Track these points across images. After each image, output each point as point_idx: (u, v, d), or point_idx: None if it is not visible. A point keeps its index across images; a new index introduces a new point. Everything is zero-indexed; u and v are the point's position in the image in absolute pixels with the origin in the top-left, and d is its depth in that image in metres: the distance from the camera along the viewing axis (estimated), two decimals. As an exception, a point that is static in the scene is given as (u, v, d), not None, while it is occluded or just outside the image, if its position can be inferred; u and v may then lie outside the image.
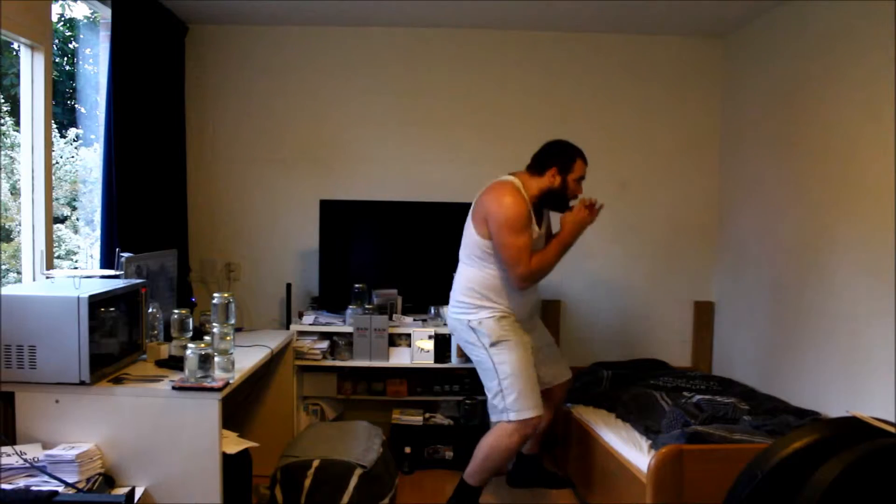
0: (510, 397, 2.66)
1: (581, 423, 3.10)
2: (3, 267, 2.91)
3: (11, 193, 2.81)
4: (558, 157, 2.75)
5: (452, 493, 2.84)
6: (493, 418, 2.75)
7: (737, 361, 3.70)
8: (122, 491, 2.14)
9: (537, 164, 2.77)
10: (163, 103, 3.46)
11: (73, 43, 3.62)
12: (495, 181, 2.77)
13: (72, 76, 3.65)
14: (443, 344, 3.39)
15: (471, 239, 2.76)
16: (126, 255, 2.73)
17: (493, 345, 2.69)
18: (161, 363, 2.54)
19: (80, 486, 2.03)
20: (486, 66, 3.87)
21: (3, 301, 2.12)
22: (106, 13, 3.13)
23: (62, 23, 3.51)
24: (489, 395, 2.75)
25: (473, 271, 2.76)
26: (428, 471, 3.45)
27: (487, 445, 2.74)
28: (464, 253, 2.82)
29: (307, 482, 2.64)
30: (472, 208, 2.79)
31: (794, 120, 3.19)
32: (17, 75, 2.63)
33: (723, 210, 3.92)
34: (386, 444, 3.04)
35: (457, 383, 3.53)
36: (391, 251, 3.80)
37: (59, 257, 3.18)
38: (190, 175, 3.81)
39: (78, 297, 2.12)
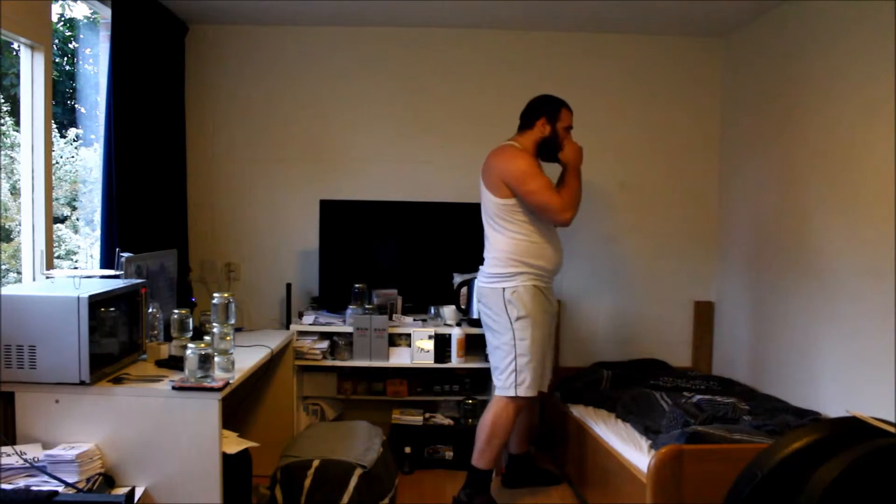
0: (522, 374, 2.79)
1: (581, 423, 3.10)
2: (3, 267, 2.91)
3: (11, 193, 2.81)
4: (545, 107, 2.92)
5: (465, 482, 2.88)
6: (498, 392, 2.85)
7: (737, 361, 3.70)
8: (122, 491, 2.14)
9: (526, 120, 2.95)
10: (163, 103, 3.46)
11: (73, 43, 3.62)
12: (495, 148, 2.90)
13: (72, 76, 3.65)
14: (443, 344, 3.38)
15: (491, 203, 2.85)
16: (126, 255, 2.73)
17: (518, 318, 2.79)
18: (161, 363, 2.54)
19: (80, 486, 2.03)
20: (487, 66, 3.87)
21: (3, 301, 2.12)
22: (106, 13, 3.13)
23: (62, 23, 3.51)
24: (497, 369, 2.86)
25: (503, 239, 2.85)
26: (428, 471, 3.46)
27: (489, 423, 2.83)
28: (487, 222, 2.92)
29: (307, 482, 2.64)
30: (482, 178, 2.89)
31: (794, 120, 3.19)
32: (17, 75, 2.63)
33: (723, 210, 3.92)
34: (386, 444, 3.04)
35: (457, 383, 3.54)
36: (391, 251, 3.80)
37: (59, 257, 3.18)
38: (190, 175, 3.81)
39: (78, 297, 2.12)
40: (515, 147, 2.87)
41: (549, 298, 2.93)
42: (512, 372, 2.80)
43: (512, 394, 2.80)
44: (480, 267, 2.97)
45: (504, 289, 2.82)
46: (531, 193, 2.76)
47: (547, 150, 2.93)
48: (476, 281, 3.05)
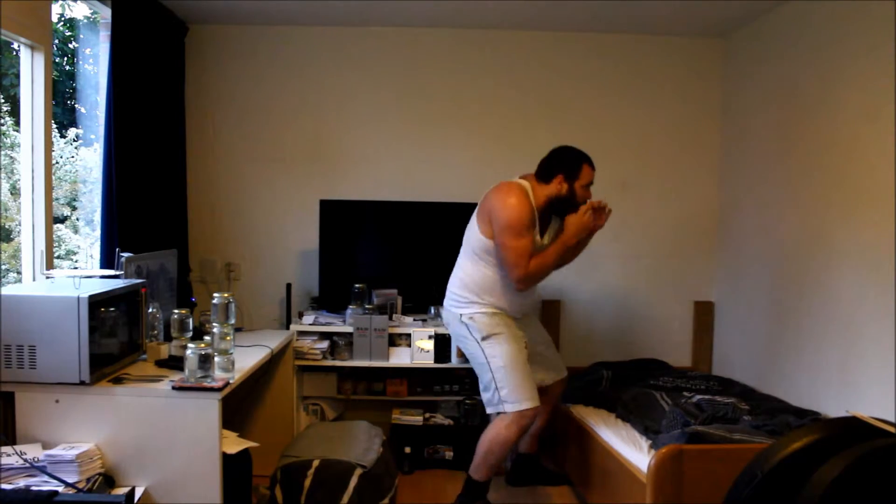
0: (504, 390, 2.70)
1: (581, 423, 3.10)
2: (3, 267, 2.91)
3: (11, 193, 2.81)
4: (564, 163, 2.72)
5: (461, 491, 2.87)
6: (489, 411, 2.79)
7: (737, 361, 3.70)
8: (122, 491, 2.13)
9: (544, 172, 2.75)
10: (163, 103, 3.45)
11: (73, 43, 3.62)
12: (504, 181, 2.76)
13: (72, 76, 3.65)
14: (443, 344, 3.38)
15: (473, 236, 2.78)
16: (126, 255, 2.73)
17: (484, 339, 2.74)
18: (161, 363, 2.54)
19: (80, 486, 2.03)
20: (487, 67, 3.87)
21: (3, 301, 2.12)
22: (106, 13, 3.13)
23: (62, 23, 3.51)
24: (482, 389, 2.80)
25: (470, 267, 2.79)
26: (428, 471, 3.45)
27: (487, 439, 2.78)
28: (464, 248, 2.85)
29: (307, 482, 2.64)
30: (478, 206, 2.79)
31: (794, 120, 3.19)
32: (17, 75, 2.63)
33: (723, 210, 3.92)
34: (386, 444, 3.04)
35: (457, 383, 3.53)
36: (391, 251, 3.80)
37: (59, 257, 3.18)
38: (190, 175, 3.81)
39: (78, 297, 2.12)
40: (522, 189, 2.68)
41: (514, 320, 2.83)
42: (495, 390, 2.72)
43: (501, 409, 2.71)
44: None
45: (461, 314, 2.78)
46: (503, 246, 2.64)
47: (561, 209, 2.76)
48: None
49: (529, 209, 2.66)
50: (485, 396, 2.79)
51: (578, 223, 2.71)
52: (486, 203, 2.72)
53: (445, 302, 2.89)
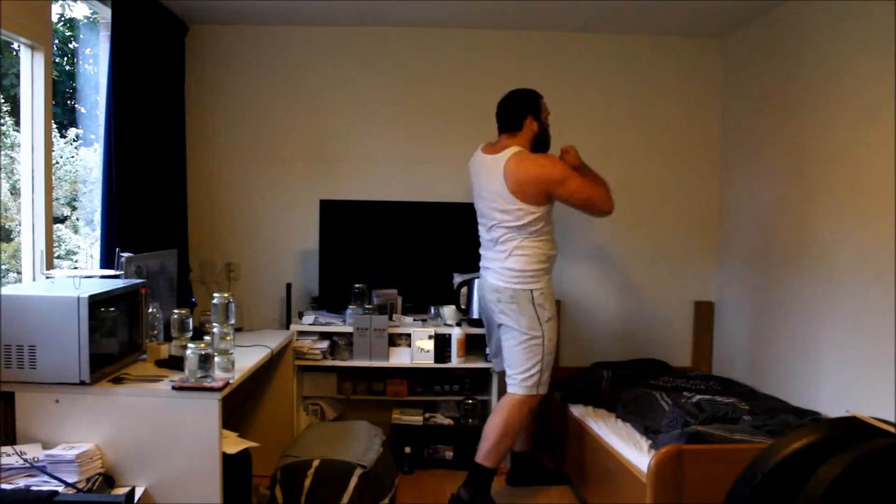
0: (545, 373, 2.85)
1: (581, 423, 3.10)
2: (3, 267, 2.91)
3: (11, 193, 2.81)
4: (527, 104, 2.90)
5: (467, 480, 2.87)
6: (520, 392, 2.84)
7: (737, 361, 3.70)
8: (122, 491, 2.13)
9: (512, 121, 2.91)
10: (163, 103, 3.45)
11: (73, 43, 3.62)
12: (511, 156, 2.80)
13: (72, 76, 3.65)
14: (443, 344, 3.38)
15: (527, 214, 2.78)
16: (126, 255, 2.73)
17: (549, 320, 2.84)
18: (161, 363, 2.54)
19: (80, 486, 2.03)
20: (487, 67, 3.87)
21: (3, 301, 2.12)
22: (106, 13, 3.13)
23: (62, 23, 3.51)
24: (523, 371, 2.83)
25: (529, 243, 2.82)
26: (428, 471, 3.46)
27: (502, 422, 2.82)
28: (514, 233, 2.82)
29: (307, 482, 2.64)
30: (509, 186, 2.77)
31: (794, 120, 3.19)
32: (17, 75, 2.63)
33: (723, 210, 3.92)
34: (386, 444, 3.04)
35: (457, 383, 3.54)
36: (391, 251, 3.80)
37: (59, 257, 3.18)
38: (190, 175, 3.81)
39: (78, 297, 2.12)
40: (525, 152, 2.84)
41: None
42: (538, 372, 2.82)
43: (534, 392, 2.83)
44: (489, 265, 2.90)
45: (532, 290, 2.81)
46: (576, 193, 2.78)
47: (538, 145, 2.92)
48: (488, 280, 2.92)
49: (551, 157, 2.86)
50: (520, 377, 2.83)
51: (571, 157, 2.94)
52: (525, 183, 2.75)
53: (506, 280, 2.83)
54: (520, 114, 2.89)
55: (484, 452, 2.85)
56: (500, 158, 2.81)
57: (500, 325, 2.91)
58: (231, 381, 2.31)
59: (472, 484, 2.86)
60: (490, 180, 2.83)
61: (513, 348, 2.87)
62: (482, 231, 2.98)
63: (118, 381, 2.27)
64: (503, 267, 2.85)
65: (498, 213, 2.82)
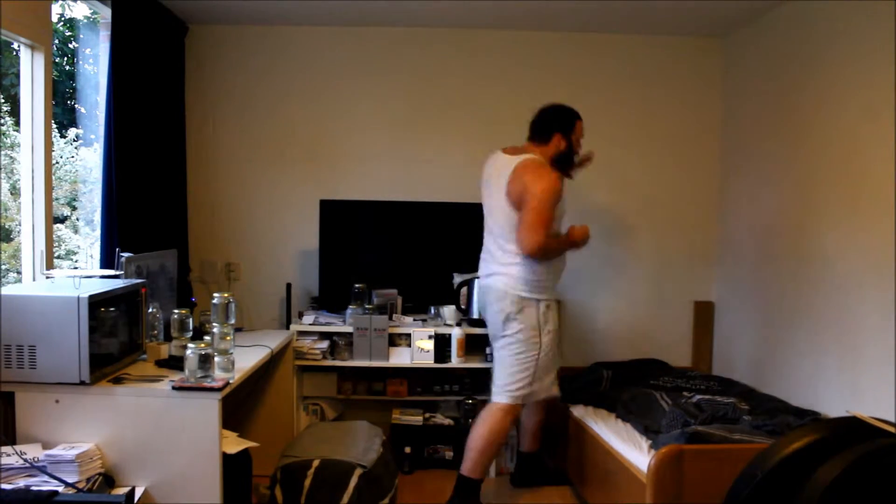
0: (534, 385, 2.80)
1: (581, 423, 3.10)
2: (3, 267, 2.91)
3: (11, 193, 2.81)
4: (560, 122, 2.86)
5: (453, 493, 2.84)
6: (508, 401, 2.80)
7: (737, 361, 3.70)
8: (122, 491, 2.13)
9: (541, 133, 2.86)
10: (163, 103, 3.46)
11: (73, 43, 3.62)
12: (526, 159, 2.75)
13: (72, 76, 3.65)
14: (443, 344, 3.38)
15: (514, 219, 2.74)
16: (126, 255, 2.73)
17: (549, 332, 2.81)
18: (161, 363, 2.54)
19: (80, 486, 2.03)
20: (487, 66, 3.87)
21: (3, 301, 2.12)
22: (106, 13, 3.13)
23: (62, 23, 3.51)
24: (516, 381, 2.78)
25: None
26: (428, 471, 3.46)
27: (487, 432, 2.78)
28: (511, 236, 2.77)
29: (307, 482, 2.64)
30: (509, 188, 2.73)
31: (794, 120, 3.19)
32: (17, 75, 2.63)
33: (723, 210, 3.92)
34: (386, 444, 3.04)
35: (457, 383, 3.53)
36: (391, 251, 3.80)
37: (59, 257, 3.18)
38: (190, 175, 3.81)
39: (78, 297, 2.12)
40: (545, 166, 2.77)
41: None
42: (528, 384, 2.78)
43: (520, 402, 2.80)
44: (493, 268, 2.84)
45: (539, 301, 2.78)
46: (532, 210, 2.63)
47: (562, 165, 2.88)
48: (492, 282, 2.85)
49: (561, 186, 2.74)
50: (507, 386, 2.78)
51: (584, 232, 2.85)
52: (519, 180, 2.70)
53: (516, 287, 2.76)
54: (550, 127, 2.85)
55: (469, 465, 2.81)
56: (515, 159, 2.78)
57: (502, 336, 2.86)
58: (231, 381, 2.31)
59: (458, 496, 2.83)
60: (498, 177, 2.81)
61: (503, 356, 2.84)
62: (486, 235, 2.95)
63: (118, 381, 2.27)
64: (506, 269, 2.80)
65: (501, 214, 2.82)
